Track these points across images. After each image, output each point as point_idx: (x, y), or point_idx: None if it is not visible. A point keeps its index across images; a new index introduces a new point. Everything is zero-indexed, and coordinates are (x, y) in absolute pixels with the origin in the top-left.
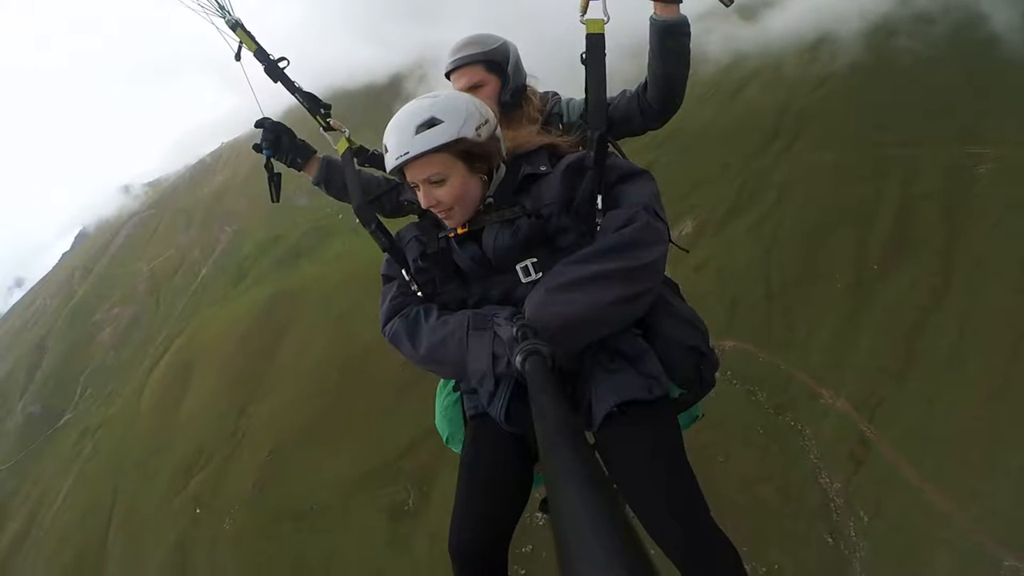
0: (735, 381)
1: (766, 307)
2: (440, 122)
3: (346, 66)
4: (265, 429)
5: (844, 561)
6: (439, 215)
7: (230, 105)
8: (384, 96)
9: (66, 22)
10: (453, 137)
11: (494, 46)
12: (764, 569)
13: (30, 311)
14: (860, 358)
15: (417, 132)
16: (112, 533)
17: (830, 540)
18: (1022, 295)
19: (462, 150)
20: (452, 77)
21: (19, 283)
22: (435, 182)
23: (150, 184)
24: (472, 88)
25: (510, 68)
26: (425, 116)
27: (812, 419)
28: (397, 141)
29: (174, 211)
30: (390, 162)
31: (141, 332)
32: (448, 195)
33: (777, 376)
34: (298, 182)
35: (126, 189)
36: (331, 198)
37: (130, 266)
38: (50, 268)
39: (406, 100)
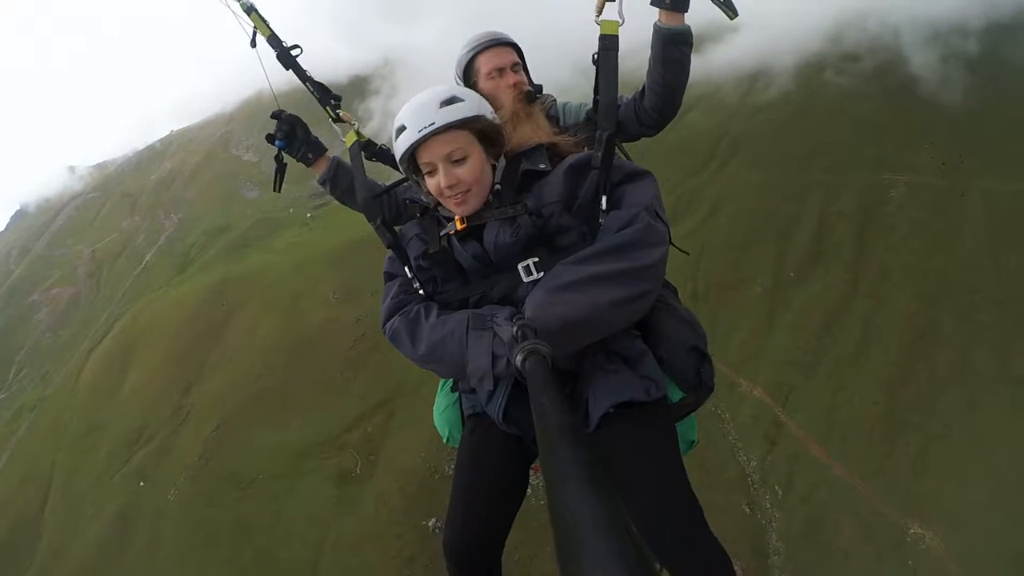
0: None
1: (692, 307)
2: (461, 100)
3: (310, 64)
4: (211, 405)
5: (761, 529)
6: (454, 200)
7: (183, 91)
8: (346, 96)
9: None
10: (476, 113)
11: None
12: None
13: None
14: (775, 352)
15: (441, 107)
16: (49, 506)
17: (748, 510)
18: (921, 301)
19: (480, 130)
20: (483, 57)
21: None
22: (456, 160)
23: (96, 166)
24: (510, 68)
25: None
26: (447, 95)
27: (731, 405)
28: (419, 115)
29: (119, 195)
30: (410, 136)
31: (81, 314)
32: (468, 174)
33: None
34: (248, 172)
35: (71, 170)
36: (325, 199)
37: (71, 248)
38: None
39: (373, 98)
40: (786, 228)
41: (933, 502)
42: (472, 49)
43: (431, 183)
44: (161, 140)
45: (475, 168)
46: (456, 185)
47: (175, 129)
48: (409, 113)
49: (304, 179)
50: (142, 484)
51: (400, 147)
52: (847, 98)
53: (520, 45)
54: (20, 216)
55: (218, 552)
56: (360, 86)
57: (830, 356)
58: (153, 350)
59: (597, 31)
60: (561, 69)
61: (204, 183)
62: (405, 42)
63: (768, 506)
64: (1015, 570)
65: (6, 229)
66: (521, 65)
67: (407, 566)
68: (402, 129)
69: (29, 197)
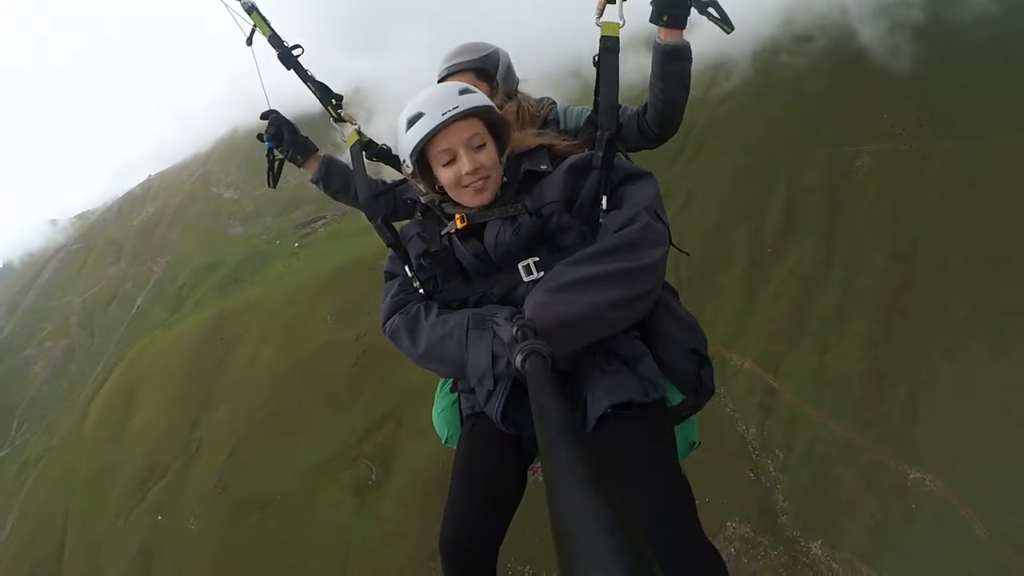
0: None
1: (678, 291)
2: (475, 92)
3: (279, 96)
4: (221, 436)
5: (767, 492)
6: (473, 187)
7: (156, 136)
8: (322, 126)
9: None
10: (489, 103)
11: (484, 54)
12: (696, 502)
13: None
14: (761, 324)
15: (460, 94)
16: (67, 552)
17: (752, 476)
18: (893, 260)
19: (491, 122)
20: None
21: None
22: (476, 146)
23: (77, 217)
24: None
25: (499, 75)
26: (462, 86)
27: (725, 379)
28: (440, 102)
29: (103, 243)
30: (432, 120)
31: (77, 363)
32: (489, 159)
33: None
34: (231, 210)
35: (53, 223)
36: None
37: (60, 299)
38: None
39: (348, 125)
40: (759, 208)
41: (928, 446)
42: (438, 78)
43: (448, 173)
44: (140, 185)
45: (492, 155)
46: (479, 170)
47: (152, 174)
48: (426, 101)
49: (288, 211)
50: (160, 518)
51: (416, 135)
52: (803, 78)
53: (494, 49)
54: (5, 273)
55: (246, 572)
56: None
57: (813, 322)
58: (156, 389)
59: (570, 43)
60: (540, 85)
61: (187, 224)
62: (374, 71)
63: (771, 470)
64: (1014, 497)
65: None
66: (482, 84)
67: (432, 559)
68: (417, 117)
69: (12, 253)
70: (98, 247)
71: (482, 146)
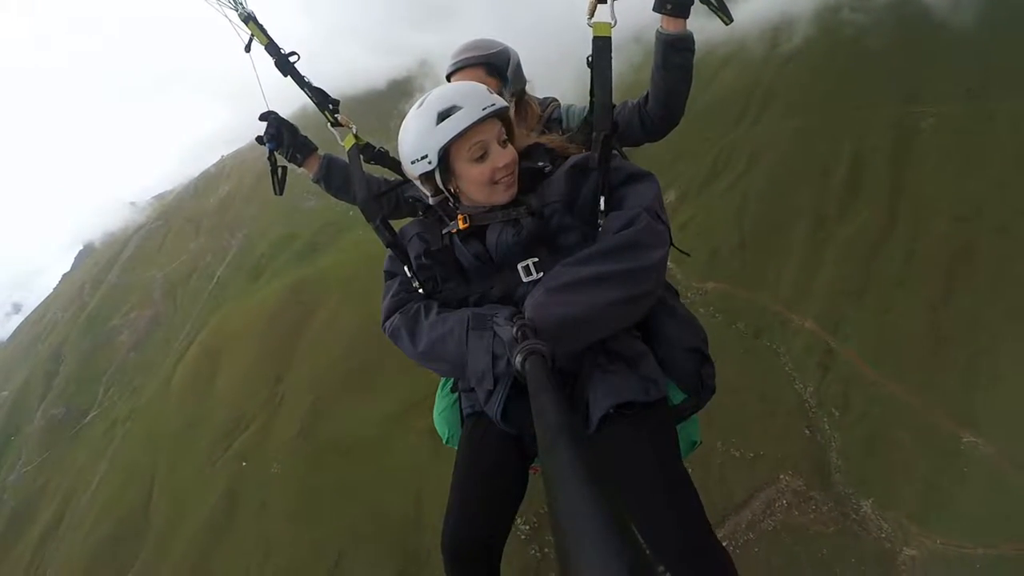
0: (717, 315)
1: (741, 253)
2: (495, 94)
3: (346, 73)
4: (304, 389)
5: (821, 449)
6: (505, 182)
7: (225, 118)
8: (389, 100)
9: (41, 42)
10: (508, 105)
11: (495, 50)
12: (752, 454)
13: (40, 325)
14: (822, 286)
15: (490, 93)
16: (155, 499)
17: (808, 433)
18: (958, 223)
19: (506, 120)
20: (453, 79)
21: (17, 308)
22: (502, 141)
23: (155, 197)
24: None
25: (510, 72)
26: (485, 87)
27: (785, 339)
28: (476, 97)
29: (182, 221)
30: (472, 114)
31: (161, 331)
32: (514, 155)
33: (753, 308)
34: (304, 185)
35: (132, 204)
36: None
37: (142, 274)
38: (51, 289)
39: (417, 95)
40: (823, 168)
41: (983, 411)
42: (447, 72)
43: (480, 168)
44: (215, 165)
45: (514, 152)
46: (510, 164)
47: (225, 154)
48: (460, 95)
49: None
50: (244, 464)
51: (453, 127)
52: (866, 34)
53: (504, 47)
54: (87, 253)
55: (326, 510)
56: (400, 89)
57: (875, 283)
58: (240, 351)
59: (640, 10)
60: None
61: (262, 200)
62: (438, 43)
63: (827, 428)
64: None
65: (73, 267)
66: (492, 80)
67: None
68: (452, 110)
69: (93, 234)
70: (177, 225)
71: (506, 142)
